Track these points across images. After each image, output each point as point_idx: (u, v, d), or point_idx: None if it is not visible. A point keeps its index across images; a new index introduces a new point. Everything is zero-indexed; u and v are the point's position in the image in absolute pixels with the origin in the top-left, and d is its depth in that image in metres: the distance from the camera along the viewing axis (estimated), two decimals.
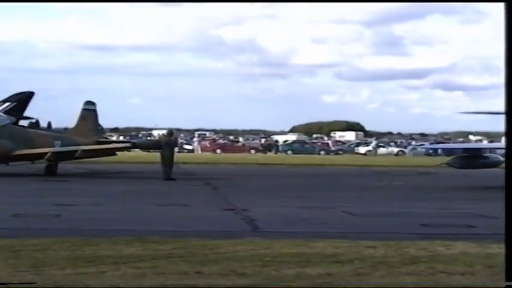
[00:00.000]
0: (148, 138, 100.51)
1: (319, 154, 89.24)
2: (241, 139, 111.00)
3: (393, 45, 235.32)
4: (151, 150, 51.98)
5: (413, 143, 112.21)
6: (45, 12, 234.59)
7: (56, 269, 10.29)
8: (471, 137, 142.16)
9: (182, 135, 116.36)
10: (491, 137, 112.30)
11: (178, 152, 54.33)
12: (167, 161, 34.19)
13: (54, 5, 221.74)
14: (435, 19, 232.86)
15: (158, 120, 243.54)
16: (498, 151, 39.59)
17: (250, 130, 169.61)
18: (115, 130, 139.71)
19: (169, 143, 35.46)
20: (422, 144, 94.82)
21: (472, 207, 21.58)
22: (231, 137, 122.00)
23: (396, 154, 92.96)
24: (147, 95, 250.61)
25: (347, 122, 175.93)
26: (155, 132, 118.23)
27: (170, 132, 39.18)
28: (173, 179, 33.38)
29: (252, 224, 17.12)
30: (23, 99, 44.77)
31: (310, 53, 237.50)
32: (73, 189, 28.29)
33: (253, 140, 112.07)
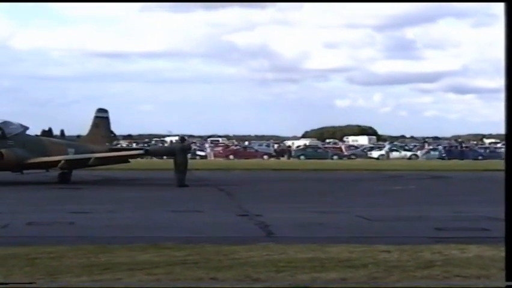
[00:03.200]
0: (160, 144, 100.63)
1: (332, 159, 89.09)
2: (255, 145, 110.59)
3: (405, 49, 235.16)
4: (164, 157, 52.11)
5: (426, 146, 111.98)
6: (58, 20, 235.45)
7: (72, 276, 10.32)
8: (485, 140, 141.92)
9: (194, 141, 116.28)
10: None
11: (191, 158, 54.44)
12: (181, 167, 34.16)
13: (66, 13, 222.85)
14: (447, 22, 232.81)
15: (171, 126, 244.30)
16: None
17: (263, 136, 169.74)
18: (128, 137, 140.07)
19: (182, 149, 35.48)
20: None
21: (486, 210, 21.49)
22: (246, 143, 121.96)
23: (410, 158, 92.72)
24: (160, 101, 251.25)
25: (359, 127, 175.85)
26: (168, 139, 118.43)
27: (183, 138, 39.23)
28: (187, 186, 33.36)
29: (266, 230, 17.13)
30: None
31: (322, 58, 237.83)
32: (86, 197, 28.36)
33: (261, 145, 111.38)
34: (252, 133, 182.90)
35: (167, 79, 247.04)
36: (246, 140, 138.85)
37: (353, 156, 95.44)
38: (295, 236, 15.96)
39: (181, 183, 33.52)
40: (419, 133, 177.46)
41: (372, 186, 37.00)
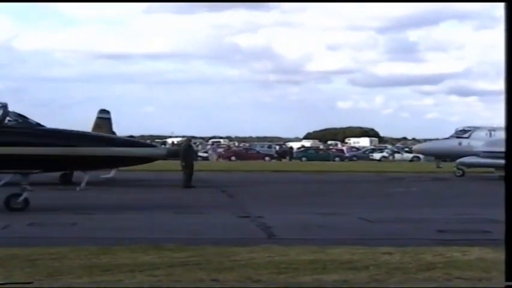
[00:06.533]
0: (163, 146, 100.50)
1: (334, 160, 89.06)
2: (257, 147, 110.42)
3: (407, 51, 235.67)
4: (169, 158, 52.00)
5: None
6: (61, 21, 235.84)
7: (73, 277, 10.31)
8: None
9: (197, 142, 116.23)
10: None
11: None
12: (188, 168, 34.32)
13: (69, 14, 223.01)
14: (450, 25, 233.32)
15: (174, 128, 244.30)
16: None
17: (265, 137, 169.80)
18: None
19: (189, 150, 35.63)
20: None
21: (488, 213, 21.46)
22: (243, 144, 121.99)
23: (411, 160, 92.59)
24: (162, 102, 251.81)
25: (361, 128, 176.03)
26: (170, 140, 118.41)
27: (189, 139, 39.27)
28: (193, 187, 33.52)
29: (267, 231, 17.12)
30: None
31: (325, 60, 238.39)
32: (88, 198, 28.31)
33: (262, 146, 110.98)
34: (254, 134, 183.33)
35: (170, 80, 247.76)
36: (248, 142, 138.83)
37: (354, 158, 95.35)
38: (296, 237, 15.93)
39: (187, 184, 33.66)
40: (420, 135, 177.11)
41: (373, 188, 36.97)
